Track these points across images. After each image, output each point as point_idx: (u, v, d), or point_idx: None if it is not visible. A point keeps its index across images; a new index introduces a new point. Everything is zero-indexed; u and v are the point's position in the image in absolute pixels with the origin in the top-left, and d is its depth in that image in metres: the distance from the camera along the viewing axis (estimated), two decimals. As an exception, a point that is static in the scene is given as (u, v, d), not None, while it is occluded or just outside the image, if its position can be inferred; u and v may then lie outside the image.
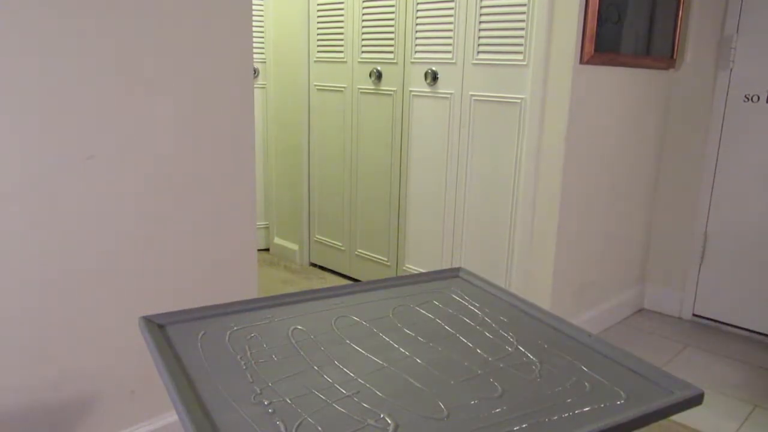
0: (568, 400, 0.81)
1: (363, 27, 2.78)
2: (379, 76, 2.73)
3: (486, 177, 2.40)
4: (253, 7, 1.64)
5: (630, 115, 2.49)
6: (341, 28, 2.88)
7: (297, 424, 0.74)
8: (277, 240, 3.49)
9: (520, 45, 2.20)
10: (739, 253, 2.62)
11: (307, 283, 3.08)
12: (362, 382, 0.84)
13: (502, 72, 2.28)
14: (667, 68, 2.62)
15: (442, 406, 0.79)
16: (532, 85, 2.18)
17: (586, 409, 0.79)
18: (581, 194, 2.32)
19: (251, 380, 0.83)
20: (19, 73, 1.24)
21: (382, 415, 0.76)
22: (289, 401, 0.79)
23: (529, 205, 2.27)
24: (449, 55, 2.43)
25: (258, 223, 3.50)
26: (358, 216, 3.01)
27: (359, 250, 3.04)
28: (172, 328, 0.97)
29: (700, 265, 2.74)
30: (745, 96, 2.52)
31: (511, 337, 1.00)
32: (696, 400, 0.82)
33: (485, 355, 0.94)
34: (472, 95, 2.38)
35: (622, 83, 2.39)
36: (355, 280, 2.46)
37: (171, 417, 1.62)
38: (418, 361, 0.91)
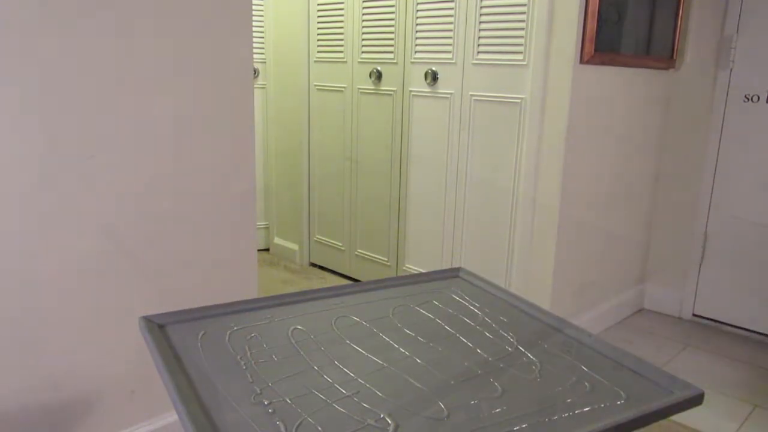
0: (568, 400, 0.81)
1: (363, 27, 2.78)
2: (379, 76, 2.73)
3: (486, 177, 2.40)
4: (253, 7, 1.64)
5: (630, 115, 2.49)
6: (341, 28, 2.88)
7: (297, 424, 0.74)
8: (277, 240, 3.49)
9: (520, 45, 2.20)
10: (739, 253, 2.62)
11: (307, 283, 3.08)
12: (362, 382, 0.84)
13: (502, 72, 2.28)
14: (667, 68, 2.62)
15: (442, 406, 0.79)
16: (532, 85, 2.18)
17: (586, 409, 0.79)
18: (581, 194, 2.31)
19: (251, 380, 0.83)
20: (19, 73, 1.24)
21: (382, 415, 0.76)
22: (289, 401, 0.79)
23: (529, 205, 2.27)
24: (449, 55, 2.43)
25: (258, 223, 3.50)
26: (358, 216, 3.01)
27: (359, 250, 3.04)
28: (172, 328, 0.97)
29: (700, 265, 2.74)
30: (745, 96, 2.52)
31: (511, 337, 1.00)
32: (696, 400, 0.82)
33: (485, 355, 0.94)
34: (472, 95, 2.38)
35: (622, 83, 2.39)
36: (355, 280, 2.46)
37: (171, 417, 1.62)
38: (418, 361, 0.91)
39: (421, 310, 1.10)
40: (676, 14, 2.56)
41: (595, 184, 2.39)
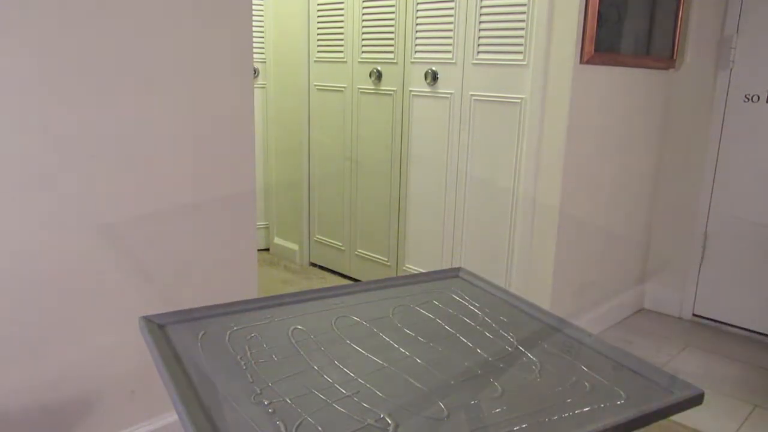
0: (568, 400, 0.81)
1: (363, 27, 2.78)
2: (379, 76, 2.73)
3: (486, 177, 2.40)
4: (253, 7, 1.64)
5: (630, 115, 2.49)
6: (341, 28, 2.88)
7: (297, 424, 0.74)
8: (277, 240, 3.49)
9: (520, 45, 2.20)
10: (739, 253, 2.62)
11: (307, 283, 3.08)
12: (362, 382, 0.84)
13: (502, 72, 2.28)
14: (667, 68, 2.62)
15: (442, 406, 0.79)
16: (532, 85, 2.18)
17: (586, 409, 0.79)
18: (581, 194, 2.31)
19: (251, 380, 0.83)
20: (19, 73, 1.24)
21: (382, 415, 0.76)
22: (289, 401, 0.79)
23: (529, 205, 2.27)
24: (449, 55, 2.43)
25: (258, 223, 3.50)
26: (358, 216, 3.01)
27: (359, 250, 3.04)
28: (172, 328, 0.97)
29: (700, 265, 2.74)
30: (745, 96, 2.52)
31: (511, 337, 1.00)
32: (696, 400, 0.82)
33: (485, 355, 0.94)
34: (472, 95, 2.38)
35: (622, 83, 2.39)
36: (355, 280, 2.46)
37: (171, 417, 1.62)
38: (418, 361, 0.91)
39: (421, 310, 1.10)
40: (676, 14, 2.56)
41: (595, 184, 2.39)
